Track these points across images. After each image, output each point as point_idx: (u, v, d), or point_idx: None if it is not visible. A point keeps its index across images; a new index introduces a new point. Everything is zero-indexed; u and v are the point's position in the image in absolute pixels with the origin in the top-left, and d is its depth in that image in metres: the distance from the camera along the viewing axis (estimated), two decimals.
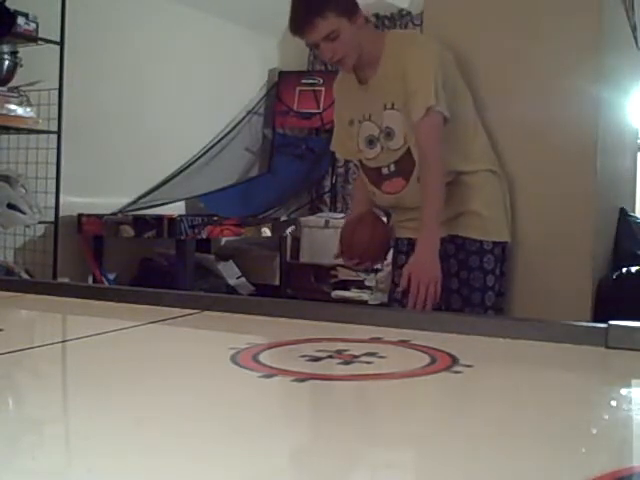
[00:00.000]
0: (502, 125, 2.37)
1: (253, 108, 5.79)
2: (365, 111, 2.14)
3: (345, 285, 5.14)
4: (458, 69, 2.19)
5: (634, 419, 0.66)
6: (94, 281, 4.38)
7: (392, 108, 2.09)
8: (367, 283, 5.01)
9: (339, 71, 2.27)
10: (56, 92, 3.96)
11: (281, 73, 5.94)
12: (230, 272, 5.08)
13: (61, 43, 3.93)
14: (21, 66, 3.89)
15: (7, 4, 3.71)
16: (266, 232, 5.06)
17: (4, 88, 3.78)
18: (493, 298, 2.01)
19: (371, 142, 2.16)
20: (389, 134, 2.11)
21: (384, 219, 2.43)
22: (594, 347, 0.84)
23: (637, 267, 2.69)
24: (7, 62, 3.86)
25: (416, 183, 2.08)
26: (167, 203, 4.90)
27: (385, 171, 2.15)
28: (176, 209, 4.97)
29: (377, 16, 5.95)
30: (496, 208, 2.18)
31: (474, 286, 2.03)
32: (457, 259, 2.09)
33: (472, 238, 2.10)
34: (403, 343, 0.86)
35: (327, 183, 5.97)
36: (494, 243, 2.12)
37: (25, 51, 3.91)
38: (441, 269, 1.95)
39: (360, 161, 2.24)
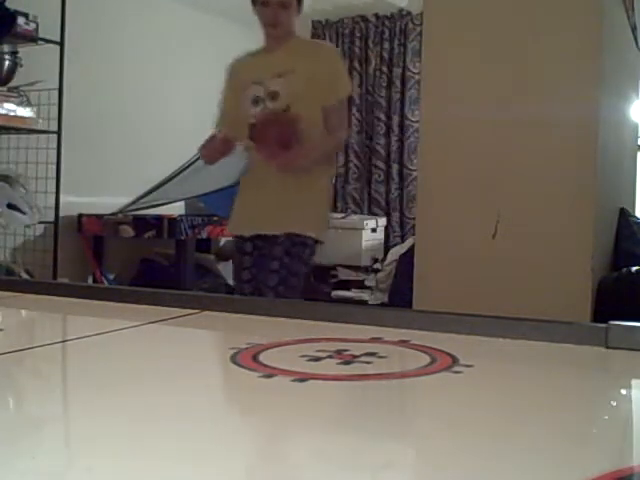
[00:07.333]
0: (502, 125, 2.37)
1: None
2: (255, 77, 2.59)
3: (345, 285, 5.15)
4: None
5: (634, 419, 0.66)
6: (94, 281, 4.38)
7: (283, 76, 2.53)
8: (367, 283, 5.02)
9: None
10: (56, 92, 3.96)
11: None
12: (230, 272, 5.08)
13: (61, 43, 3.93)
14: (21, 66, 3.90)
15: (7, 4, 3.71)
16: None
17: (4, 88, 3.78)
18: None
19: (256, 102, 2.58)
20: (273, 96, 2.54)
21: None
22: (594, 347, 0.84)
23: (637, 267, 2.69)
24: (7, 62, 3.86)
25: None
26: (167, 203, 4.91)
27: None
28: (176, 209, 4.97)
29: (377, 16, 5.95)
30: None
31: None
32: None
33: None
34: (403, 343, 0.86)
35: None
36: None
37: (25, 51, 3.91)
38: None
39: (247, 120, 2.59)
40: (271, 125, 2.48)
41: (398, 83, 5.86)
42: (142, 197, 4.88)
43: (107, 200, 4.60)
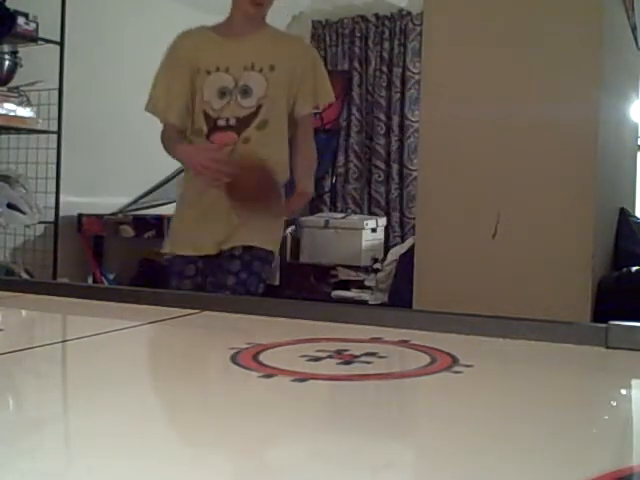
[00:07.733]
0: (502, 125, 2.37)
1: None
2: (221, 64, 2.27)
3: (345, 285, 5.14)
4: None
5: (634, 419, 0.66)
6: (94, 281, 4.38)
7: (260, 71, 2.24)
8: (367, 283, 5.01)
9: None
10: (56, 92, 3.96)
11: None
12: None
13: (61, 43, 3.93)
14: (21, 66, 3.90)
15: (7, 4, 3.71)
16: None
17: (4, 88, 3.78)
18: None
19: (223, 94, 2.24)
20: (246, 92, 2.24)
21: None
22: (594, 347, 0.84)
23: (637, 267, 2.69)
24: (7, 62, 3.86)
25: (242, 144, 2.21)
26: (167, 203, 4.90)
27: (222, 123, 2.24)
28: None
29: (377, 16, 5.95)
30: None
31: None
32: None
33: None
34: (403, 343, 0.86)
35: (327, 183, 5.97)
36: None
37: (25, 51, 3.91)
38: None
39: (205, 112, 2.27)
40: (246, 181, 2.14)
41: (398, 83, 5.86)
42: (142, 197, 4.87)
43: (107, 200, 4.60)
